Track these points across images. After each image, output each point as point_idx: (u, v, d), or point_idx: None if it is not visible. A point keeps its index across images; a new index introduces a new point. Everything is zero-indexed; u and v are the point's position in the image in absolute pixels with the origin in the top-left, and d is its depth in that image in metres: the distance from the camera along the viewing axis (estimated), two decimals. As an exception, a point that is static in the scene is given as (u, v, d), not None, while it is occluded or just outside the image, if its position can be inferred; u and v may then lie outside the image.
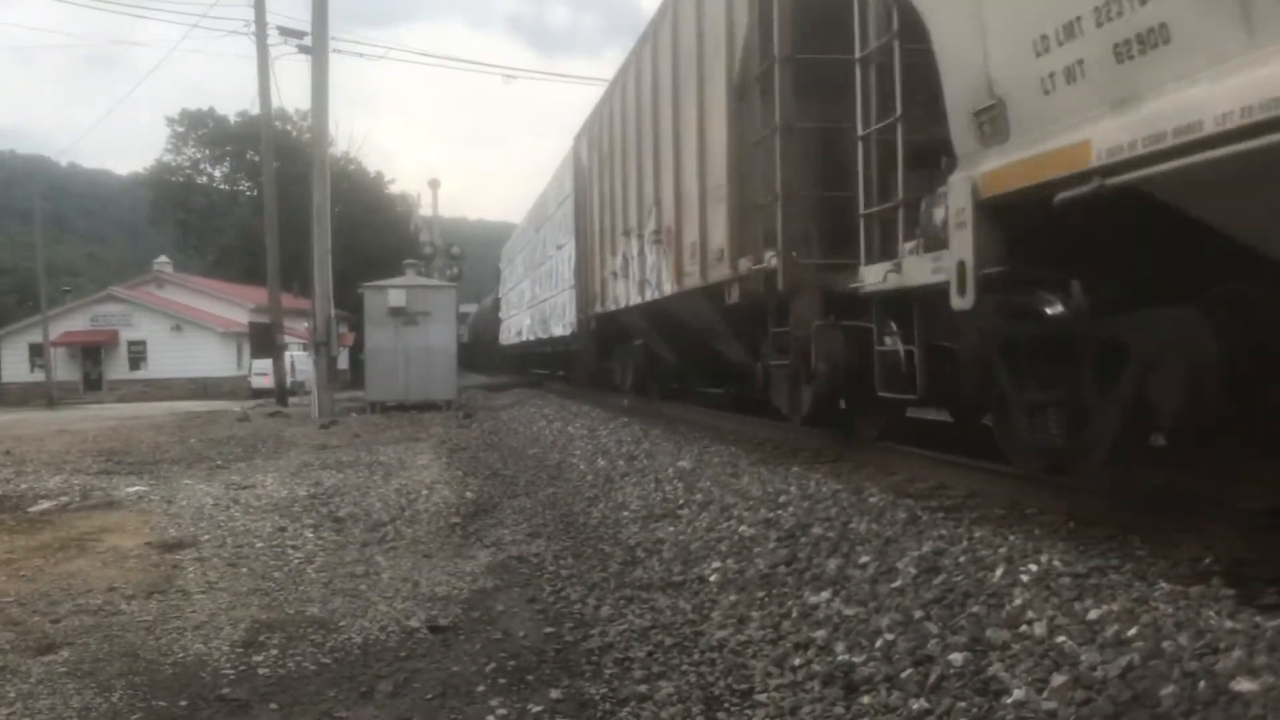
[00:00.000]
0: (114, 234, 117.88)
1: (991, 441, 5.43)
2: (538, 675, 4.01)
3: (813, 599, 4.26)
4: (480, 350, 45.53)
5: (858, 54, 5.89)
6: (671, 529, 6.25)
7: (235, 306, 44.93)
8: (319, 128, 19.58)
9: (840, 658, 3.60)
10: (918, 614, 3.67)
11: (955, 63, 4.58)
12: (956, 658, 3.23)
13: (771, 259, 7.20)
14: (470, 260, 48.41)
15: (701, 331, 10.38)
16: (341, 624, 4.83)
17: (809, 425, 7.81)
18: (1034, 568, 3.69)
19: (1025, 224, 4.26)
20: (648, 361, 14.02)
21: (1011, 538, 4.20)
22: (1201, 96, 3.04)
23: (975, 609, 3.54)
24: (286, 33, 22.60)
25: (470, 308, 50.11)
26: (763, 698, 3.50)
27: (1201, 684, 2.56)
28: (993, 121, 4.27)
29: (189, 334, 44.05)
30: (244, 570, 6.01)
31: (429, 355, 20.06)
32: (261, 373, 32.41)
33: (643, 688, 3.72)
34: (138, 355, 44.51)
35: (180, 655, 4.40)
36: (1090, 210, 3.67)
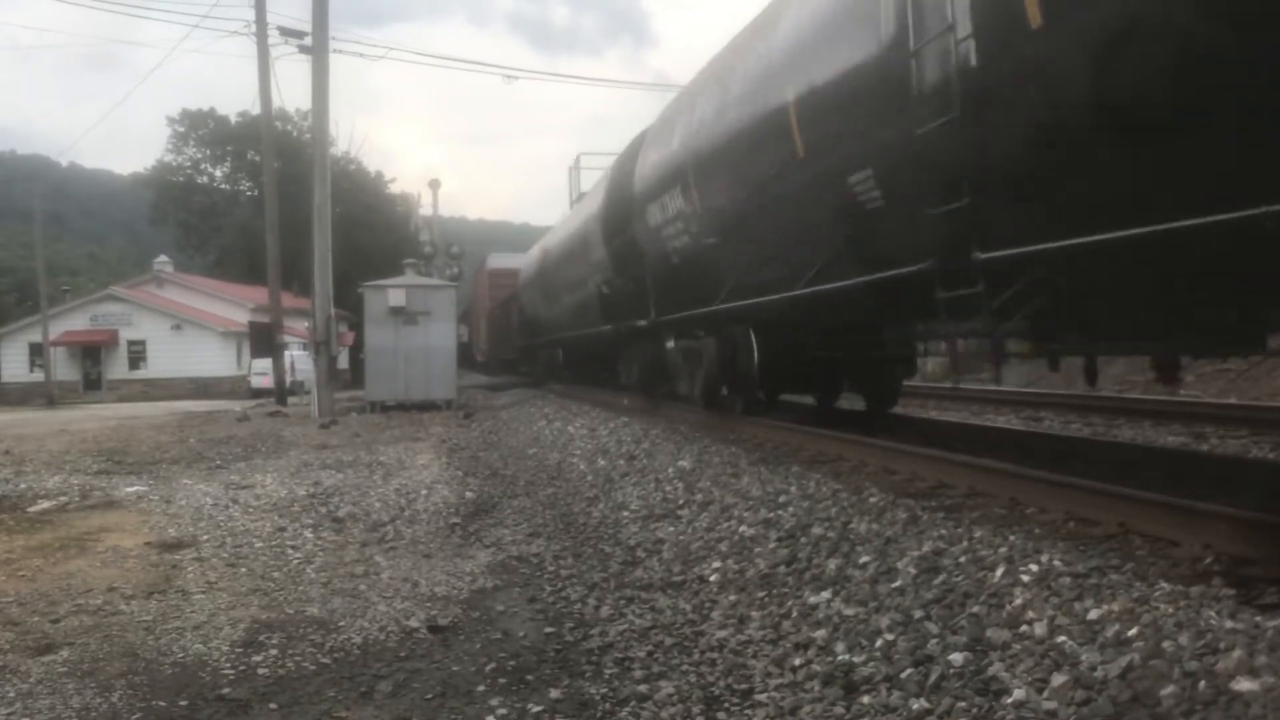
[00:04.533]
0: (114, 234, 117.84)
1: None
2: (538, 675, 4.01)
3: (813, 599, 4.26)
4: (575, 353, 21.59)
5: None
6: (671, 529, 6.25)
7: (235, 306, 44.86)
8: (319, 128, 19.57)
9: (840, 658, 3.60)
10: (918, 614, 3.67)
11: None
12: (957, 658, 3.23)
13: None
14: (470, 260, 48.14)
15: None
16: (341, 624, 4.83)
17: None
18: (1034, 567, 3.68)
19: None
20: None
21: (1012, 537, 4.19)
22: None
23: (975, 609, 3.54)
24: (287, 33, 22.55)
25: (509, 260, 32.23)
26: (763, 698, 3.50)
27: (1201, 684, 2.56)
28: None
29: (189, 334, 43.97)
30: (243, 570, 6.01)
31: (429, 355, 20.07)
32: (261, 372, 32.25)
33: (643, 687, 3.72)
34: (138, 355, 44.42)
35: (180, 655, 4.40)
36: None
